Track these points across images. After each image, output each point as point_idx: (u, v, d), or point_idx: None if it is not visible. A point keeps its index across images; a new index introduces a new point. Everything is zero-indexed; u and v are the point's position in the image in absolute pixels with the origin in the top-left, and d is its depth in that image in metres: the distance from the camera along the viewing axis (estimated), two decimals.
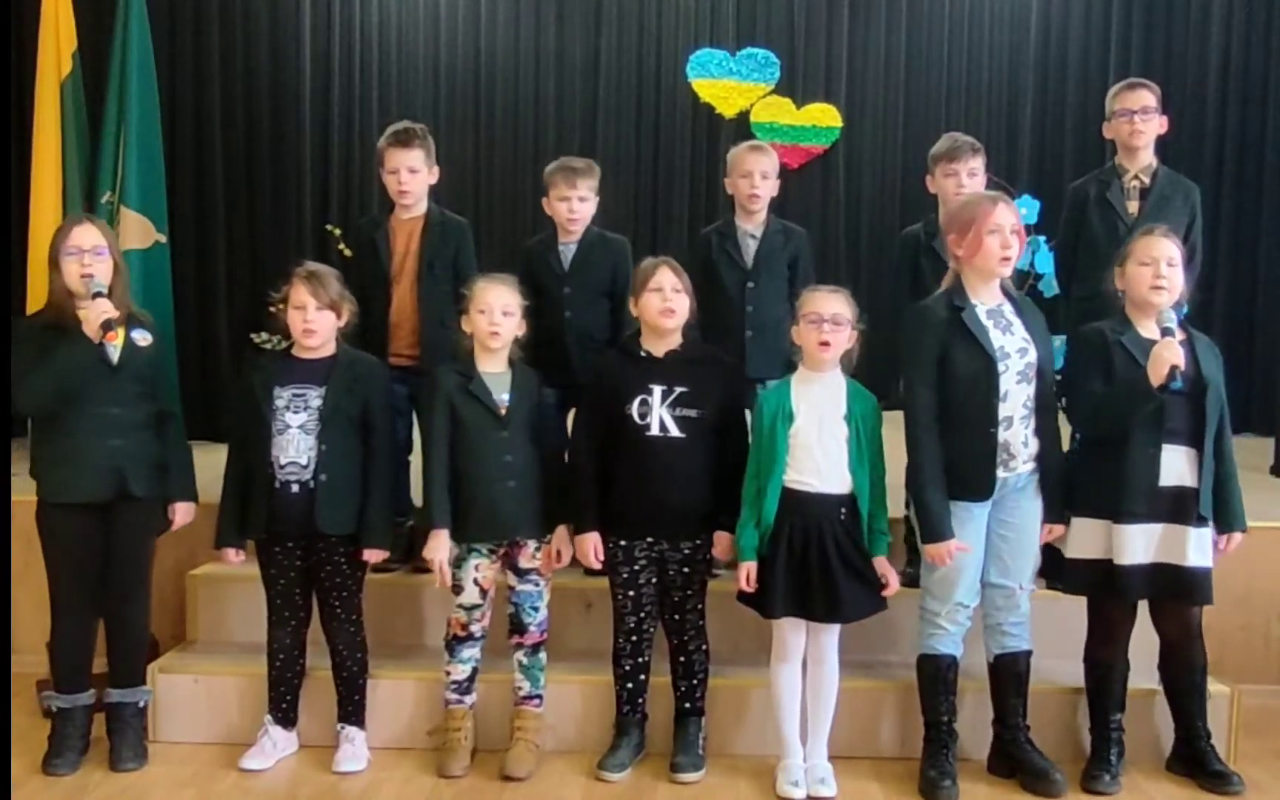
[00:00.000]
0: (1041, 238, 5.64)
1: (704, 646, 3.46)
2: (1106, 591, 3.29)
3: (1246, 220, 6.85)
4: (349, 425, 3.39)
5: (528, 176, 6.96)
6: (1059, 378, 3.42)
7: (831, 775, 3.29)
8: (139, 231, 4.64)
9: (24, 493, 3.58)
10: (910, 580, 3.64)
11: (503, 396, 3.39)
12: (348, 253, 4.96)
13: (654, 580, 3.42)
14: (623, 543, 3.39)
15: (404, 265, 3.91)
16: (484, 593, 3.44)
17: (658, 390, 3.34)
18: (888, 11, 7.39)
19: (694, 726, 3.45)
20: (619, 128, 7.38)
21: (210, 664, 3.70)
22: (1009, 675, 3.34)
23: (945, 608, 3.28)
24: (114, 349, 3.32)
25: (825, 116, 7.37)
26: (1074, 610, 3.45)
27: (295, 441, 3.33)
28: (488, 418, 3.37)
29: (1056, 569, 3.44)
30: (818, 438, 3.25)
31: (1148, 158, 3.96)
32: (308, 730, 3.56)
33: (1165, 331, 3.18)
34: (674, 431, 3.32)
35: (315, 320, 3.38)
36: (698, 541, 3.40)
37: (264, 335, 5.81)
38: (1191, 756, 3.39)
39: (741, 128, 7.22)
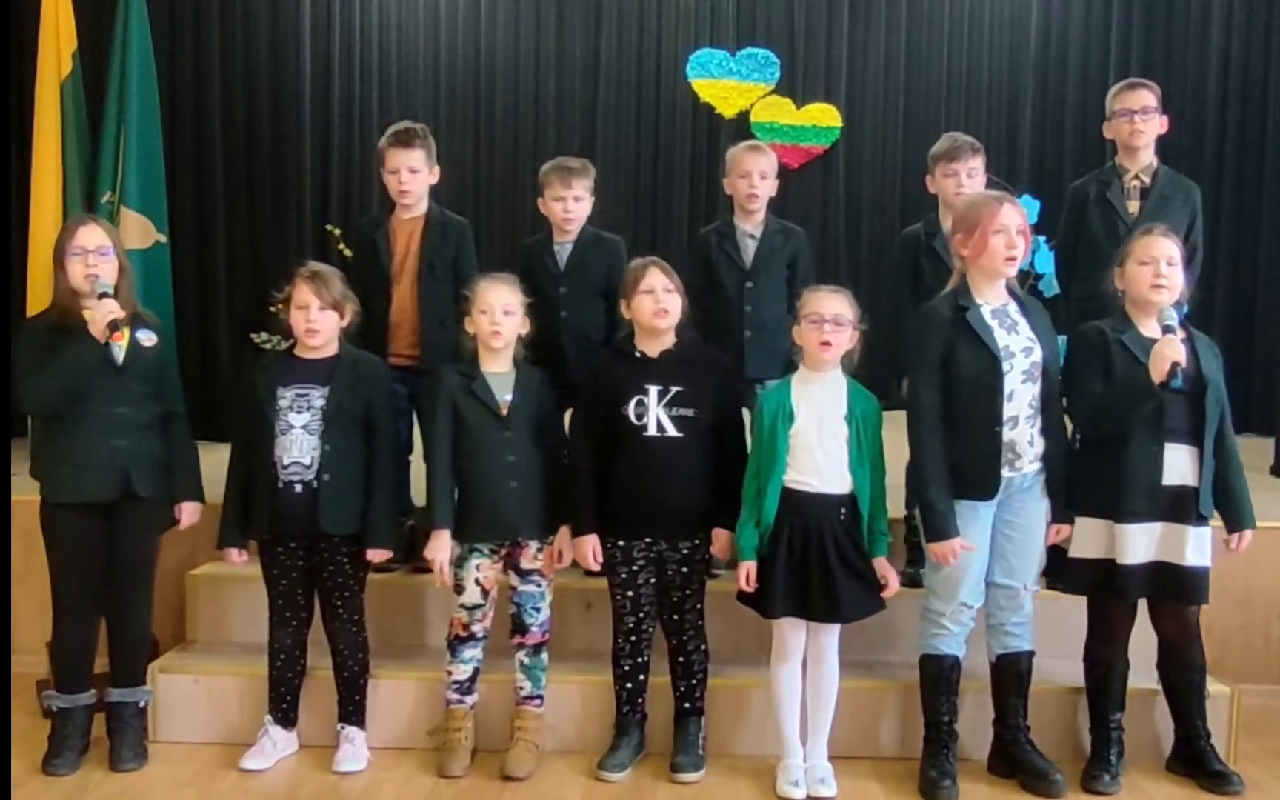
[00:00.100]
0: (1042, 238, 5.65)
1: (703, 646, 3.46)
2: (1107, 591, 3.29)
3: (1246, 220, 6.84)
4: (352, 425, 3.39)
5: (528, 176, 6.90)
6: (1059, 377, 3.42)
7: (831, 775, 3.30)
8: (139, 231, 4.65)
9: (25, 493, 3.58)
10: (910, 580, 3.65)
11: (505, 396, 3.39)
12: (348, 253, 4.96)
13: (653, 580, 3.41)
14: (621, 543, 3.39)
15: (404, 265, 3.91)
16: (485, 593, 3.44)
17: (654, 390, 3.34)
18: (888, 11, 7.37)
19: (694, 726, 3.45)
20: (619, 128, 7.36)
21: (210, 664, 3.70)
22: (1011, 675, 3.34)
23: (949, 607, 3.28)
24: (119, 349, 3.32)
25: (825, 116, 7.36)
26: (1074, 610, 3.46)
27: (298, 441, 3.33)
28: (490, 418, 3.37)
29: (1058, 569, 3.45)
30: (818, 438, 3.24)
31: (1148, 158, 3.96)
32: (308, 730, 3.56)
33: (1166, 329, 3.18)
34: (671, 431, 3.32)
35: (318, 320, 3.38)
36: (696, 541, 3.40)
37: (264, 335, 5.82)
38: (1191, 756, 3.39)
39: (741, 128, 7.19)
